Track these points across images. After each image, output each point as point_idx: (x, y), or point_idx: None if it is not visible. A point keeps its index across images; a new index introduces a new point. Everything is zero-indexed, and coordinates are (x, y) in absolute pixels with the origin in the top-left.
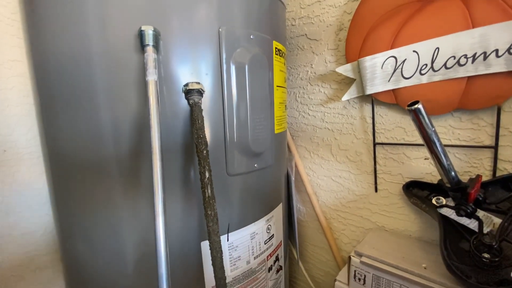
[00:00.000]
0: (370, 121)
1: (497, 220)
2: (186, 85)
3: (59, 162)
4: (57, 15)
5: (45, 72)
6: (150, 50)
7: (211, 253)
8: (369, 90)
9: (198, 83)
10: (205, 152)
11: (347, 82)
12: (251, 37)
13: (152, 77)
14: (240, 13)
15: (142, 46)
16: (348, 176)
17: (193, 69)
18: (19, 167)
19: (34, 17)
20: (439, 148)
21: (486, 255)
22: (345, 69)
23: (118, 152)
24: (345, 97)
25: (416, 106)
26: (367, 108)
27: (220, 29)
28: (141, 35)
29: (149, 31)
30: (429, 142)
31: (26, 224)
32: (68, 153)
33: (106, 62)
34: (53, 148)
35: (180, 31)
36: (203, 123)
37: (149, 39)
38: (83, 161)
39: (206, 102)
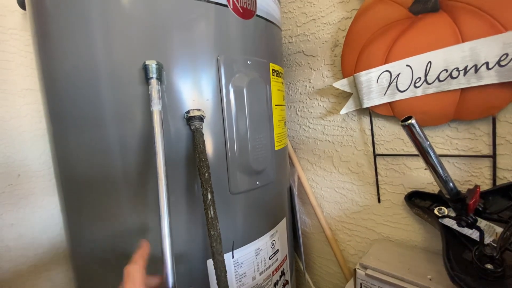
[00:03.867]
0: (369, 133)
1: (500, 230)
2: (188, 112)
3: (70, 181)
4: (67, 46)
5: (57, 97)
6: (154, 82)
7: (216, 272)
8: (366, 104)
9: (199, 109)
10: (207, 174)
11: (345, 95)
12: (248, 62)
13: (156, 107)
14: (237, 41)
15: (147, 79)
16: (351, 187)
17: (194, 96)
18: (32, 190)
19: (46, 48)
20: (435, 160)
21: (489, 266)
22: (342, 84)
23: (126, 171)
24: (343, 111)
25: (409, 121)
26: (366, 120)
27: (218, 57)
28: (145, 69)
29: (152, 65)
30: (424, 155)
31: (39, 245)
32: (79, 172)
33: (113, 87)
34: (65, 169)
35: (182, 61)
36: (205, 147)
37: (152, 73)
38: (93, 180)
39: (207, 125)
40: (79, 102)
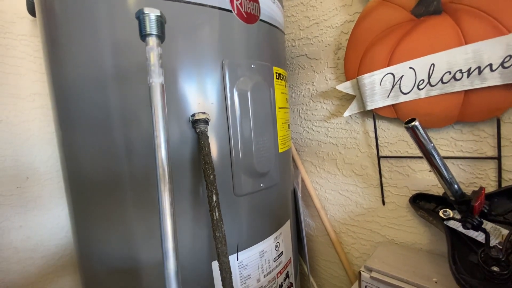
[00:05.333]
0: (372, 135)
1: (505, 232)
2: (193, 115)
3: (78, 184)
4: (76, 51)
5: (65, 101)
6: (153, 41)
7: (221, 273)
8: (370, 106)
9: (204, 113)
10: (212, 176)
11: (348, 98)
12: (252, 66)
13: (157, 79)
14: (241, 45)
15: (142, 35)
16: (355, 189)
17: (199, 99)
18: (40, 193)
19: (56, 54)
20: (440, 162)
21: (495, 268)
22: (345, 87)
23: (133, 173)
24: (346, 113)
25: (413, 123)
26: (369, 122)
27: (223, 62)
28: (141, 20)
29: (151, 16)
30: (428, 157)
31: (46, 247)
32: (86, 175)
33: (120, 90)
34: (72, 172)
35: (187, 66)
36: (210, 150)
37: (151, 27)
38: (100, 183)
39: (212, 129)
40: (87, 105)
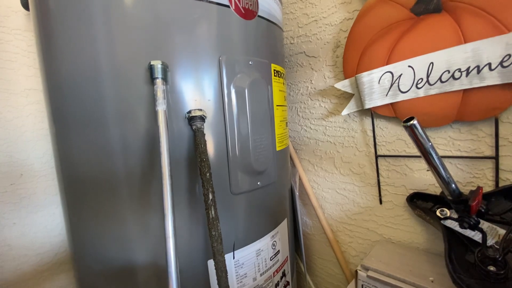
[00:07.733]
0: (370, 134)
1: (502, 231)
2: (189, 112)
3: (72, 181)
4: (71, 46)
5: (60, 97)
6: (159, 82)
7: (216, 272)
8: (368, 105)
9: (200, 109)
10: (208, 174)
11: (346, 96)
12: (250, 63)
13: (161, 107)
14: (239, 41)
15: (152, 78)
16: (352, 188)
17: (196, 96)
18: (34, 190)
19: (50, 49)
20: (437, 162)
21: (491, 268)
22: (344, 85)
23: (128, 171)
24: (344, 112)
25: (411, 122)
26: (367, 121)
27: (220, 58)
28: (150, 69)
29: (158, 65)
30: (427, 156)
31: (41, 244)
32: (81, 172)
33: (116, 87)
34: (67, 169)
35: (184, 62)
36: (206, 147)
37: (158, 73)
38: (95, 180)
39: (209, 126)
40: (82, 102)
